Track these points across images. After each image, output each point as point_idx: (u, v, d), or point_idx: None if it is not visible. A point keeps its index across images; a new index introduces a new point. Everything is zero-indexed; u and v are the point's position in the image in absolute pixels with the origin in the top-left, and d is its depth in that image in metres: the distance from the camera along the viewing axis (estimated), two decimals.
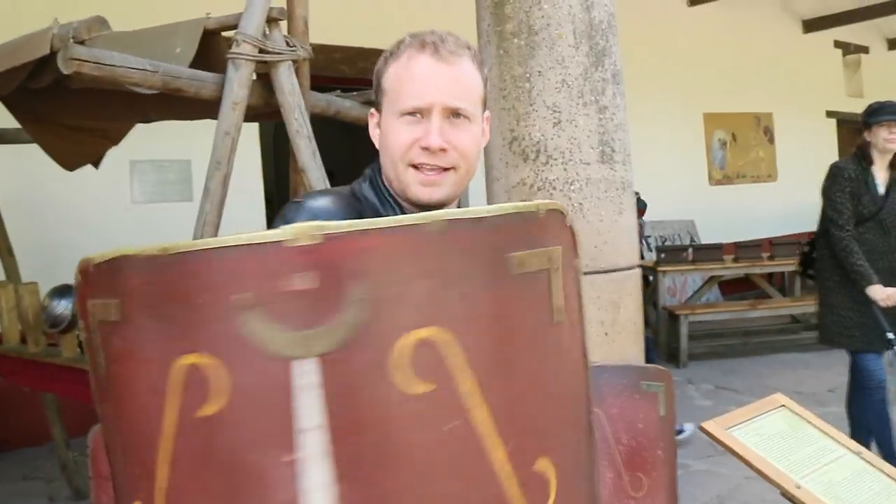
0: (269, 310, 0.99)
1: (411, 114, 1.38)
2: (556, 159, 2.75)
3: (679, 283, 8.91)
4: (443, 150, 1.37)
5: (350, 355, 1.01)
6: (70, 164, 4.08)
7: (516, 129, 2.79)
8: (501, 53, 2.81)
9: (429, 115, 1.37)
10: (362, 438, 1.02)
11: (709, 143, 10.29)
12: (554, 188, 2.75)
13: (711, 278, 7.62)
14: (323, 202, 1.46)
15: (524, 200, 2.82)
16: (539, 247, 1.14)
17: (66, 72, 2.30)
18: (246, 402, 1.01)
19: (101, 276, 1.09)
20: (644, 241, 8.80)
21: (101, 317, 1.09)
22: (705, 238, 9.34)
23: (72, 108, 3.54)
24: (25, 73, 2.66)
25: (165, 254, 1.01)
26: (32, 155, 3.93)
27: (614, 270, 2.77)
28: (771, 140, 11.08)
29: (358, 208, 1.48)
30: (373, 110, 1.51)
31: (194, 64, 2.84)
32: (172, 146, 5.81)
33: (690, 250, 7.43)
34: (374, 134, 1.50)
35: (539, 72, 2.75)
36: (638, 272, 2.89)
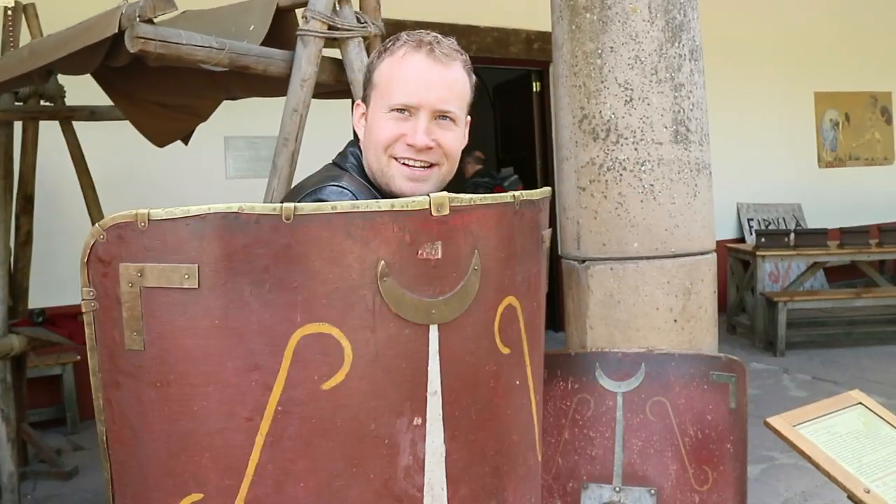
0: (403, 278, 1.00)
1: (400, 110, 1.42)
2: (626, 138, 2.65)
3: (783, 269, 8.59)
4: (429, 147, 1.41)
5: (466, 321, 1.06)
6: (160, 140, 4.19)
7: (586, 107, 2.70)
8: (573, 29, 2.72)
9: (417, 114, 1.41)
10: (469, 400, 1.08)
11: (819, 124, 9.84)
12: (624, 168, 2.66)
13: (815, 264, 7.29)
14: (353, 186, 1.47)
15: (593, 181, 2.75)
16: (549, 226, 1.31)
17: (132, 50, 2.34)
18: (376, 369, 1.00)
19: (160, 236, 0.98)
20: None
21: (153, 282, 0.96)
22: (813, 223, 8.96)
23: (158, 85, 3.63)
24: (103, 51, 2.73)
25: (280, 214, 0.94)
26: (127, 131, 4.05)
27: (686, 255, 2.66)
28: (889, 121, 10.51)
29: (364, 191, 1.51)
30: (359, 101, 1.55)
31: (269, 42, 2.85)
32: (265, 122, 5.84)
33: (792, 235, 7.12)
34: (358, 125, 1.55)
35: (611, 48, 2.65)
36: (712, 257, 2.77)
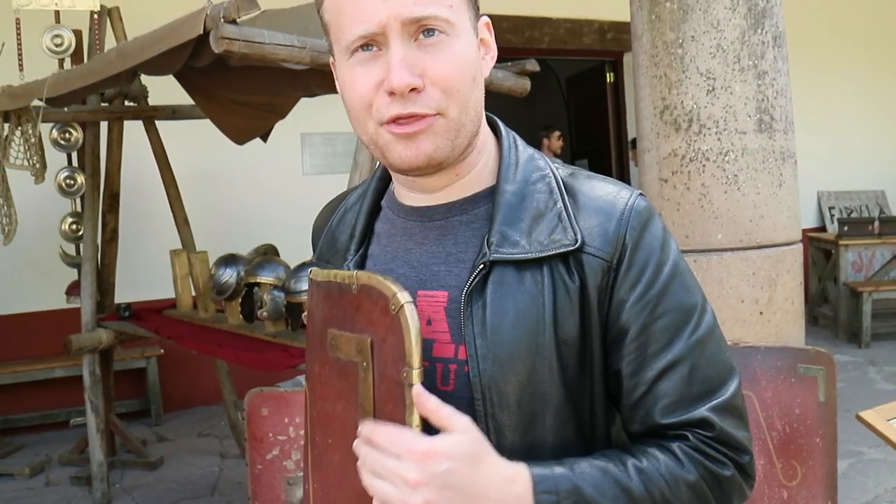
0: None
1: (363, 47, 0.94)
2: (709, 128, 2.61)
3: (866, 258, 8.34)
4: (414, 89, 0.92)
5: None
6: (240, 137, 4.27)
7: (668, 98, 2.67)
8: (653, 19, 2.69)
9: (385, 42, 0.93)
10: None
11: None
12: (707, 159, 2.62)
13: None
14: (352, 199, 1.21)
15: (675, 173, 2.71)
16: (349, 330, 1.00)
17: (217, 51, 2.39)
18: None
19: None
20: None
21: None
22: None
23: (238, 84, 3.70)
24: (188, 52, 2.79)
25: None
26: (208, 129, 4.13)
27: (771, 246, 2.61)
28: None
29: (338, 205, 1.22)
30: (331, 58, 1.05)
31: None
32: (341, 119, 5.87)
33: (877, 222, 6.92)
34: (340, 92, 1.03)
35: (692, 36, 2.61)
36: (798, 248, 2.71)
